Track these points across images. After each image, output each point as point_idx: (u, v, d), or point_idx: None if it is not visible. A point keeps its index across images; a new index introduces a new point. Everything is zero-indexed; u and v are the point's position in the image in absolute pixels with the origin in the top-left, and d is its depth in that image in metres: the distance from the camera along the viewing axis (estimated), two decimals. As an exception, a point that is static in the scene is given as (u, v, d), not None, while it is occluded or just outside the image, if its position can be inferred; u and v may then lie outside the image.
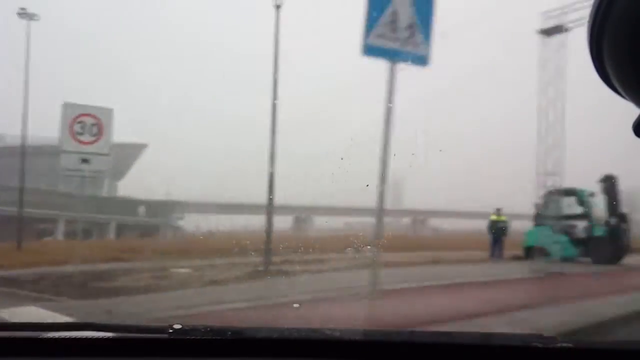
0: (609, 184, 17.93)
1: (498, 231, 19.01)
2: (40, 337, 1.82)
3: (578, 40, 13.74)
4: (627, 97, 0.77)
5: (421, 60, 4.88)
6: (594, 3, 0.72)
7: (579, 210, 18.56)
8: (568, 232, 17.97)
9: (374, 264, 6.28)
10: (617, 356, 1.73)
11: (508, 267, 15.72)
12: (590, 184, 18.61)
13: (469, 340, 1.88)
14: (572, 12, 14.65)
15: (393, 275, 10.31)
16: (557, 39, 15.10)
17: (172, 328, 1.76)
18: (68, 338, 1.79)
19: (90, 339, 1.77)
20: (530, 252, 17.24)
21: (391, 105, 5.57)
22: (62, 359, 1.72)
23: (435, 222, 71.75)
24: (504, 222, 19.46)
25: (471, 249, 20.06)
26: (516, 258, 18.12)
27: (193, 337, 1.77)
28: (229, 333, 1.80)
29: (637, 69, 0.72)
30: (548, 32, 15.25)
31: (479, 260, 17.65)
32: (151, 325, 1.81)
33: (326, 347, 1.78)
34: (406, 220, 76.54)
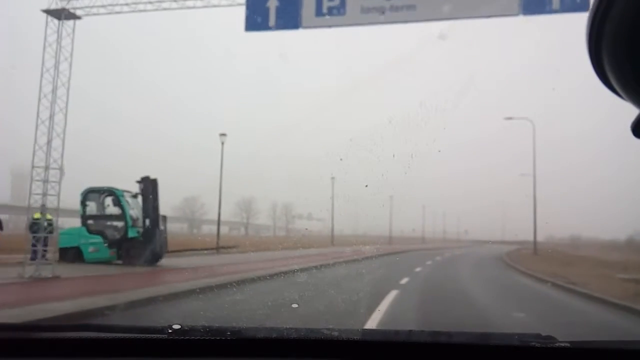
0: (147, 185, 17.34)
1: (40, 231, 14.69)
2: (40, 337, 1.86)
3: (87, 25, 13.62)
4: (625, 98, 0.78)
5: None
6: (594, 3, 0.72)
7: (116, 210, 17.57)
8: (103, 232, 17.38)
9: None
10: (615, 356, 1.74)
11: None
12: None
13: (468, 340, 1.88)
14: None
15: None
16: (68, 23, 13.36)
17: (171, 328, 1.78)
18: (68, 338, 1.82)
19: (90, 339, 1.79)
20: (64, 253, 16.18)
21: None
22: (61, 359, 1.72)
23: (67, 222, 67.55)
24: (49, 220, 14.55)
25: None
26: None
27: (192, 337, 1.78)
28: (228, 333, 1.81)
29: (636, 70, 0.73)
30: (55, 13, 13.20)
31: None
32: (150, 325, 1.75)
33: (325, 347, 1.80)
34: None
